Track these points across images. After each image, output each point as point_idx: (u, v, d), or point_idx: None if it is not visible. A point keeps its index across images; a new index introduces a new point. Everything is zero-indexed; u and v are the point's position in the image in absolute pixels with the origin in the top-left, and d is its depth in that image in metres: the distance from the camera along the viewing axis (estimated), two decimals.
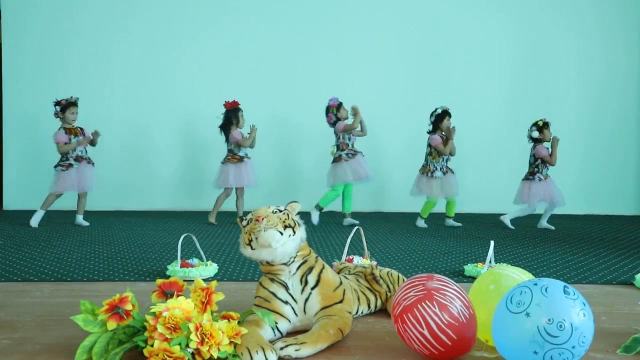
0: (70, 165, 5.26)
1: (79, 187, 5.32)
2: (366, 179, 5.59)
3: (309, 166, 6.90)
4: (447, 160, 5.59)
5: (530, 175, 5.47)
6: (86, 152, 5.37)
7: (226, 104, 5.54)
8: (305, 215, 5.13)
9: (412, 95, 6.92)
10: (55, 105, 5.29)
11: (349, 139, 5.58)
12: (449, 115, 5.55)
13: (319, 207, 5.55)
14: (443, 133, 5.54)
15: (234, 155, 5.53)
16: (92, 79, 6.83)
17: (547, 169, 5.47)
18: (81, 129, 5.38)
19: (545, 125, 5.43)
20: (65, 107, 5.27)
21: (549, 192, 5.42)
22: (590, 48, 7.20)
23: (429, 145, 5.57)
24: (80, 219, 5.38)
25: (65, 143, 5.24)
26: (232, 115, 5.49)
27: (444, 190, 5.54)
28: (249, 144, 5.52)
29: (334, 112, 5.56)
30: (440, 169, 5.54)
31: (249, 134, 5.52)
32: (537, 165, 5.45)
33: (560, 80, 7.12)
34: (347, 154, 5.53)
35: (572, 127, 6.97)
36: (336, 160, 5.56)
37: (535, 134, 5.41)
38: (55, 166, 5.32)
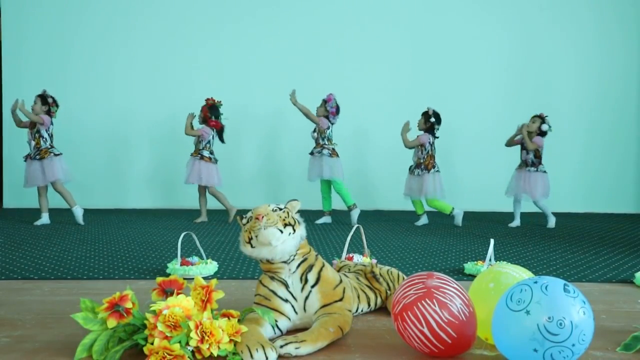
0: (30, 157, 5.17)
1: (47, 179, 5.15)
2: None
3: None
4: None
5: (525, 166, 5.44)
6: (49, 144, 5.19)
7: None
8: (310, 215, 5.15)
9: (409, 93, 6.90)
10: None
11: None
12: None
13: (351, 207, 5.55)
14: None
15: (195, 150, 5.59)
16: (93, 76, 6.83)
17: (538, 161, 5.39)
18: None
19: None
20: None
21: (529, 184, 5.35)
22: (589, 45, 7.20)
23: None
24: (76, 210, 5.19)
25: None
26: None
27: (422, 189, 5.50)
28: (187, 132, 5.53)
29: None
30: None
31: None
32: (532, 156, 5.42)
33: (558, 78, 7.12)
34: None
35: (571, 125, 6.97)
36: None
37: (545, 127, 5.36)
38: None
